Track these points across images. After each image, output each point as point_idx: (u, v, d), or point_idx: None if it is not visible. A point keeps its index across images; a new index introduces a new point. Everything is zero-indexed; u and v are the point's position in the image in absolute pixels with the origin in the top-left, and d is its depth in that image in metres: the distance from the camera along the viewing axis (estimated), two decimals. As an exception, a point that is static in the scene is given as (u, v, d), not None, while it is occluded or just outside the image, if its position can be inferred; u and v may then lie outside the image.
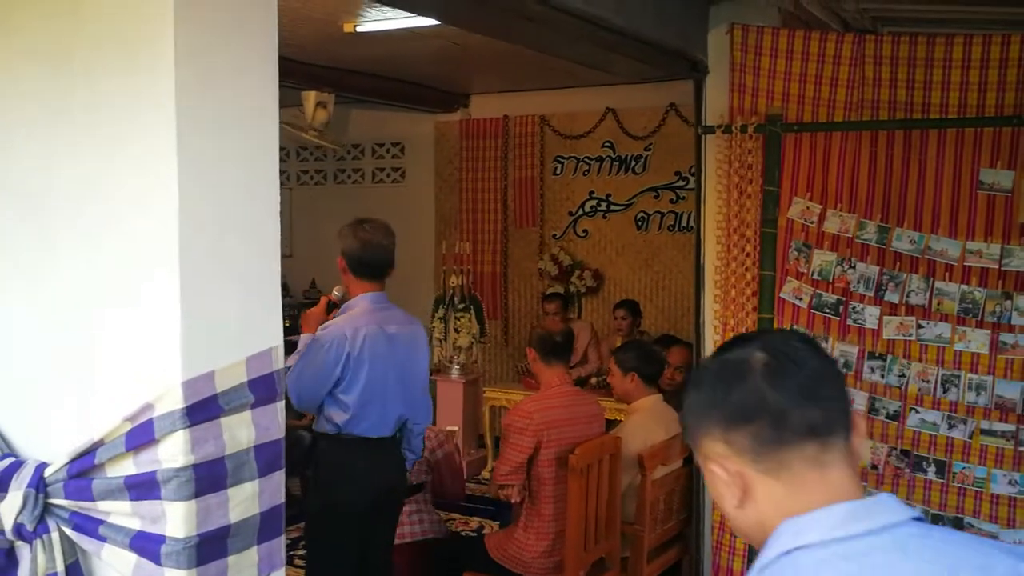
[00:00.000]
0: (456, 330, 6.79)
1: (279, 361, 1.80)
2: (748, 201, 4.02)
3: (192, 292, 1.64)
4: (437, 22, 4.27)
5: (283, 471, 1.81)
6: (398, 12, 4.40)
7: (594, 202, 7.54)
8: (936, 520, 3.74)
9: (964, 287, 3.67)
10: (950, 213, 3.75)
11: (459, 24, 3.57)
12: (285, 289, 8.69)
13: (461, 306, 6.78)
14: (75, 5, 1.66)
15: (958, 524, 3.71)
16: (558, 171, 7.67)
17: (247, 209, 1.77)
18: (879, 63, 3.90)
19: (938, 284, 3.71)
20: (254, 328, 1.76)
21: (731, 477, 1.16)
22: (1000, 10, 4.66)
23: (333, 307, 3.48)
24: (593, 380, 6.43)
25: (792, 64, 4.03)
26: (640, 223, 7.37)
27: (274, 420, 1.78)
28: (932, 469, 3.73)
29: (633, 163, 7.37)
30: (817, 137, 3.95)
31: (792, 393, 1.15)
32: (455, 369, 6.78)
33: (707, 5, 4.26)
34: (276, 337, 1.81)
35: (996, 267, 3.63)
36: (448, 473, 4.29)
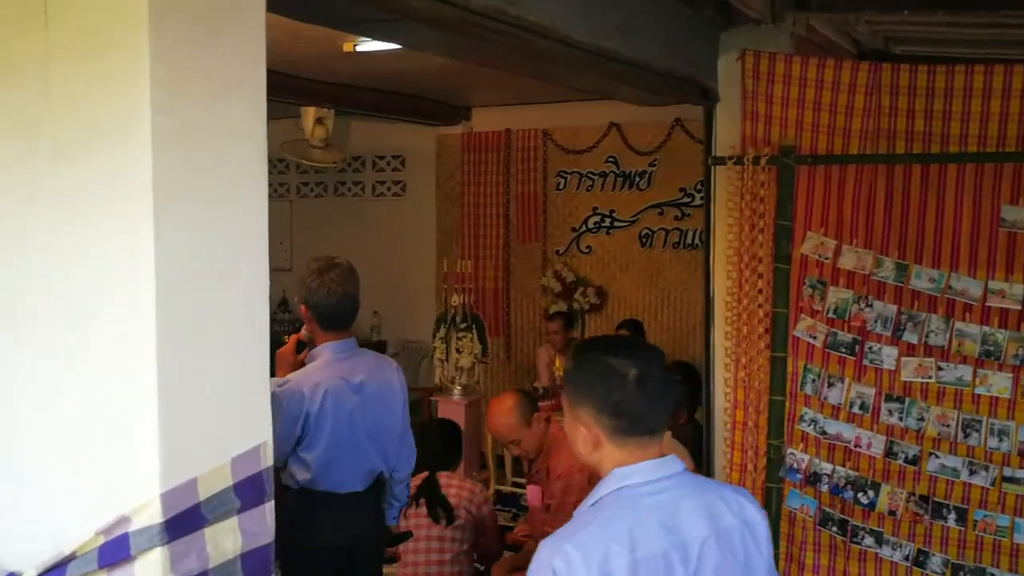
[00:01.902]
0: (458, 350, 6.65)
1: (268, 457, 1.67)
2: (760, 235, 3.88)
3: (171, 391, 1.51)
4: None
5: (273, 576, 1.68)
6: (398, 35, 4.27)
7: (597, 218, 7.40)
8: (956, 571, 3.61)
9: (985, 328, 3.54)
10: (970, 250, 3.62)
11: (462, 59, 3.43)
12: (284, 304, 8.56)
13: (463, 325, 6.63)
14: (45, 86, 1.53)
15: (980, 574, 3.58)
16: (561, 186, 7.53)
17: (232, 293, 1.64)
18: (896, 92, 3.77)
19: (958, 325, 3.58)
20: (240, 424, 1.63)
21: (590, 435, 1.76)
22: (1014, 32, 4.53)
23: (303, 346, 3.23)
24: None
25: (806, 92, 3.89)
26: (644, 240, 7.23)
27: (263, 524, 1.64)
28: (952, 516, 3.60)
29: (637, 179, 7.23)
30: (832, 169, 3.81)
31: (648, 403, 1.73)
32: (457, 390, 6.64)
33: (717, 31, 4.11)
34: (264, 431, 1.67)
35: (1019, 308, 3.49)
36: (492, 533, 4.09)
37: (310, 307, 3.10)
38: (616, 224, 7.34)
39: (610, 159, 7.30)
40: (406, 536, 3.56)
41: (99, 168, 1.51)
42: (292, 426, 2.99)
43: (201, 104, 1.58)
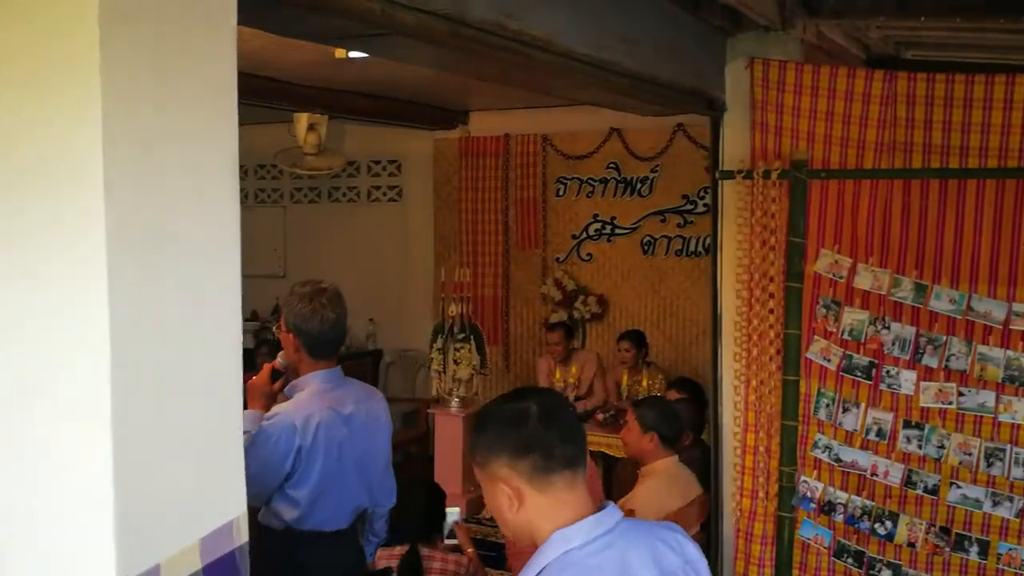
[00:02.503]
0: (456, 361, 6.48)
1: (241, 534, 1.50)
2: (771, 253, 3.71)
3: (129, 467, 1.33)
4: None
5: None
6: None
7: (598, 225, 7.23)
8: (979, 606, 3.45)
9: (1010, 352, 3.38)
10: (991, 269, 3.46)
11: (458, 73, 3.26)
12: (278, 312, 8.38)
13: (461, 336, 6.46)
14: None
15: (1002, 610, 3.42)
16: (561, 192, 7.36)
17: (198, 353, 1.46)
18: (912, 102, 3.61)
19: (981, 348, 3.41)
20: (209, 499, 1.46)
21: (512, 492, 1.65)
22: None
23: (278, 376, 3.02)
24: (599, 415, 6.13)
25: (818, 102, 3.73)
26: (647, 247, 7.06)
27: (236, 609, 1.48)
28: (975, 549, 3.44)
29: (639, 185, 7.06)
30: (845, 183, 3.65)
31: (557, 435, 1.65)
32: (454, 402, 6.47)
33: (724, 38, 3.95)
34: (237, 505, 1.50)
35: (1045, 332, 3.33)
36: None
37: (301, 334, 2.89)
38: (617, 231, 7.17)
39: (611, 165, 7.14)
40: (385, 573, 3.39)
41: (40, 216, 1.34)
42: (283, 462, 2.81)
43: (162, 139, 1.40)
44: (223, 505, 1.48)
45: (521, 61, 2.74)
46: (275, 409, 2.93)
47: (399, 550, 3.45)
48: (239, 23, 1.56)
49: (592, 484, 3.74)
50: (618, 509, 1.70)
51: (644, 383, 6.32)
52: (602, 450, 5.87)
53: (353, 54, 5.05)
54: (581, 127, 7.12)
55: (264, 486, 2.85)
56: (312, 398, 2.92)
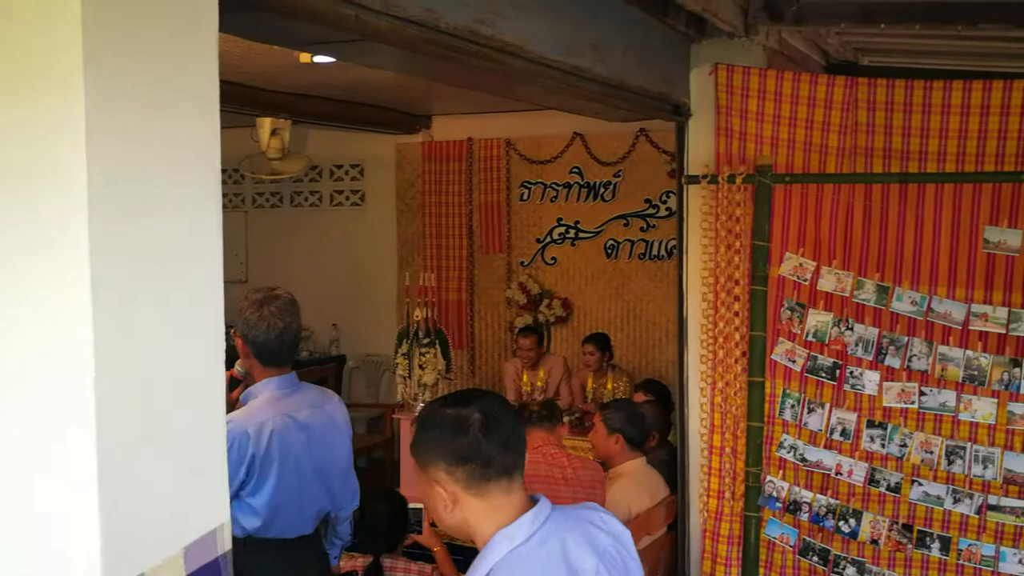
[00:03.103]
0: (421, 366, 6.47)
1: (225, 541, 1.50)
2: (736, 256, 3.77)
3: (113, 476, 1.32)
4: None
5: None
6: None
7: (562, 229, 7.27)
8: (941, 601, 3.52)
9: (969, 352, 3.45)
10: (951, 271, 3.53)
11: (431, 78, 3.26)
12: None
13: (426, 341, 6.44)
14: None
15: (964, 605, 3.50)
16: (525, 196, 7.38)
17: (182, 364, 1.46)
18: (873, 108, 3.68)
19: (941, 349, 3.49)
20: (194, 507, 1.45)
21: (448, 495, 1.71)
22: (985, 44, 4.48)
23: (236, 384, 3.02)
24: (565, 418, 6.14)
25: (781, 107, 3.79)
26: (610, 251, 7.11)
27: (221, 616, 1.47)
28: (936, 545, 3.51)
29: (602, 190, 7.10)
30: (809, 188, 3.71)
31: (497, 445, 1.70)
32: (419, 407, 6.45)
33: (689, 44, 3.99)
34: (221, 512, 1.50)
35: (1003, 332, 3.41)
36: None
37: (248, 342, 2.88)
38: (581, 235, 7.21)
39: (574, 169, 7.17)
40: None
41: (23, 220, 1.33)
42: (236, 470, 2.78)
43: (145, 144, 1.40)
44: (207, 513, 1.48)
45: (493, 67, 2.76)
46: (228, 417, 2.85)
47: (362, 560, 3.44)
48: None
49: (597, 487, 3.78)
50: (547, 500, 1.75)
51: (609, 386, 6.36)
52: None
53: (318, 59, 5.03)
54: (544, 131, 7.15)
55: None
56: (266, 405, 2.90)
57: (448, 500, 1.70)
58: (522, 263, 7.41)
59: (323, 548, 3.13)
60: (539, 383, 6.57)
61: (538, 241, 7.35)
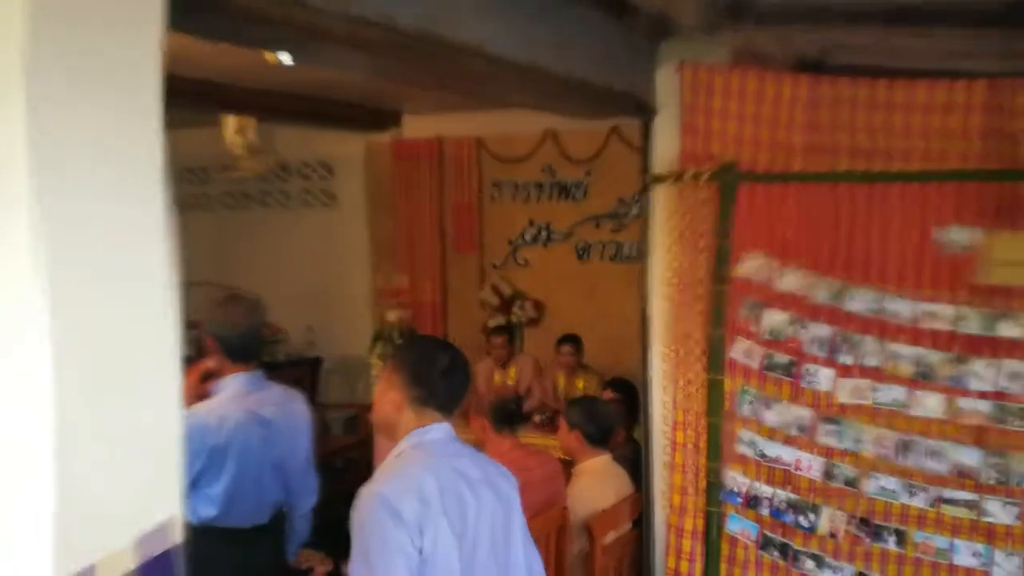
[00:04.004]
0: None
1: (177, 533, 1.52)
2: (700, 256, 3.81)
3: (65, 465, 1.34)
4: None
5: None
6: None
7: (534, 230, 7.29)
8: (897, 594, 3.58)
9: (919, 350, 3.51)
10: (903, 271, 3.57)
11: (397, 79, 3.29)
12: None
13: (400, 342, 6.47)
14: None
15: (919, 597, 3.56)
16: (496, 196, 7.40)
17: (136, 357, 1.47)
18: (837, 106, 3.71)
19: (892, 346, 3.54)
20: (146, 499, 1.47)
21: (396, 398, 2.27)
22: (950, 44, 4.54)
23: (209, 376, 3.19)
24: (536, 418, 6.19)
25: (746, 105, 3.82)
26: (581, 253, 7.14)
27: (171, 608, 1.49)
28: (892, 538, 3.57)
29: (573, 190, 7.13)
30: (773, 187, 3.75)
31: (447, 386, 2.29)
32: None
33: (654, 43, 4.03)
34: (174, 505, 1.52)
35: (951, 329, 3.47)
36: None
37: (219, 340, 3.09)
38: (553, 237, 7.24)
39: (546, 168, 7.19)
40: (306, 573, 3.43)
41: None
42: (195, 459, 2.95)
43: (89, 142, 1.41)
44: (160, 505, 1.50)
45: (453, 67, 2.78)
46: (193, 408, 3.06)
47: (323, 570, 3.45)
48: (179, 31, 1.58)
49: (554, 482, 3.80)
50: (448, 427, 2.32)
51: (580, 385, 6.42)
52: (538, 451, 5.93)
53: (286, 61, 5.04)
54: (515, 130, 7.14)
55: None
56: (230, 400, 3.08)
57: (395, 403, 2.26)
58: (494, 265, 7.43)
59: (279, 539, 3.25)
60: (510, 382, 6.62)
61: (510, 242, 7.38)
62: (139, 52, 1.50)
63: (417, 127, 7.59)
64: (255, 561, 3.12)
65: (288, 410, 3.23)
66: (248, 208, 8.35)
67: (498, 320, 7.15)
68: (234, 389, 3.10)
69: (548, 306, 7.27)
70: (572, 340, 6.45)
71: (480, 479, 2.28)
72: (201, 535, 2.87)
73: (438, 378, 2.26)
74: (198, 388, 3.14)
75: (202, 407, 3.05)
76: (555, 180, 7.18)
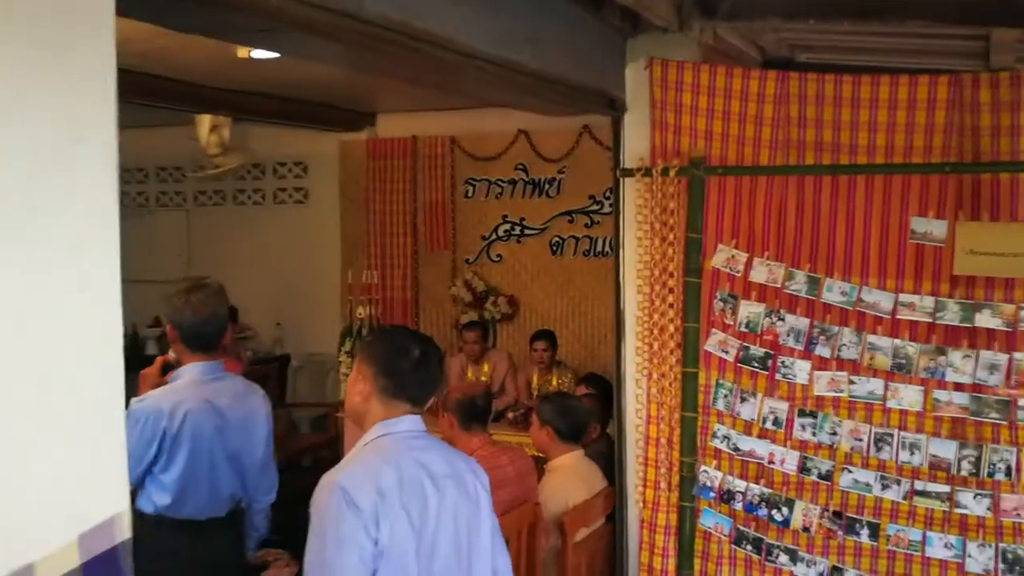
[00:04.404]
0: (365, 364, 6.43)
1: (124, 529, 1.47)
2: (671, 249, 3.79)
3: (3, 462, 1.29)
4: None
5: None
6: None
7: (508, 226, 7.27)
8: (871, 587, 3.58)
9: (897, 341, 3.51)
10: (880, 262, 3.59)
11: (367, 72, 3.24)
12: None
13: (369, 339, 6.40)
14: None
15: (893, 589, 3.55)
16: (470, 194, 7.38)
17: (78, 350, 1.42)
18: (803, 102, 3.73)
19: (870, 338, 3.54)
20: (89, 493, 1.42)
21: (365, 389, 2.24)
22: (918, 41, 4.56)
23: (169, 368, 3.15)
24: (510, 415, 6.15)
25: (715, 101, 3.82)
26: (555, 248, 7.13)
27: (121, 605, 1.44)
28: (865, 532, 3.56)
29: (547, 186, 7.12)
30: (742, 181, 3.75)
31: (417, 379, 2.25)
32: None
33: (623, 39, 4.01)
34: (120, 500, 1.47)
35: (929, 321, 3.47)
36: None
37: (175, 326, 3.04)
38: (527, 232, 7.22)
39: (519, 166, 7.18)
40: (264, 567, 3.39)
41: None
42: (148, 446, 2.92)
43: (35, 132, 1.36)
44: (104, 501, 1.45)
45: (423, 60, 2.74)
46: (147, 395, 3.03)
47: (288, 571, 3.41)
48: (129, 16, 1.53)
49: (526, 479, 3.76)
50: (419, 421, 2.29)
51: (554, 382, 6.39)
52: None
53: (256, 54, 4.99)
54: (489, 129, 7.15)
55: (131, 469, 2.87)
56: (186, 387, 3.05)
57: (364, 393, 2.23)
58: (467, 260, 7.41)
59: (238, 534, 3.22)
60: (483, 378, 6.58)
61: (483, 238, 7.36)
62: (93, 40, 1.45)
63: (392, 126, 7.58)
64: (211, 555, 3.06)
65: (246, 403, 3.19)
66: (222, 206, 8.29)
67: (470, 316, 7.11)
68: (191, 377, 3.05)
69: (522, 302, 7.25)
70: (546, 336, 6.43)
71: (446, 474, 2.25)
72: (156, 526, 2.93)
73: (408, 369, 2.23)
74: (158, 381, 3.11)
75: (157, 392, 3.02)
76: (529, 178, 7.17)
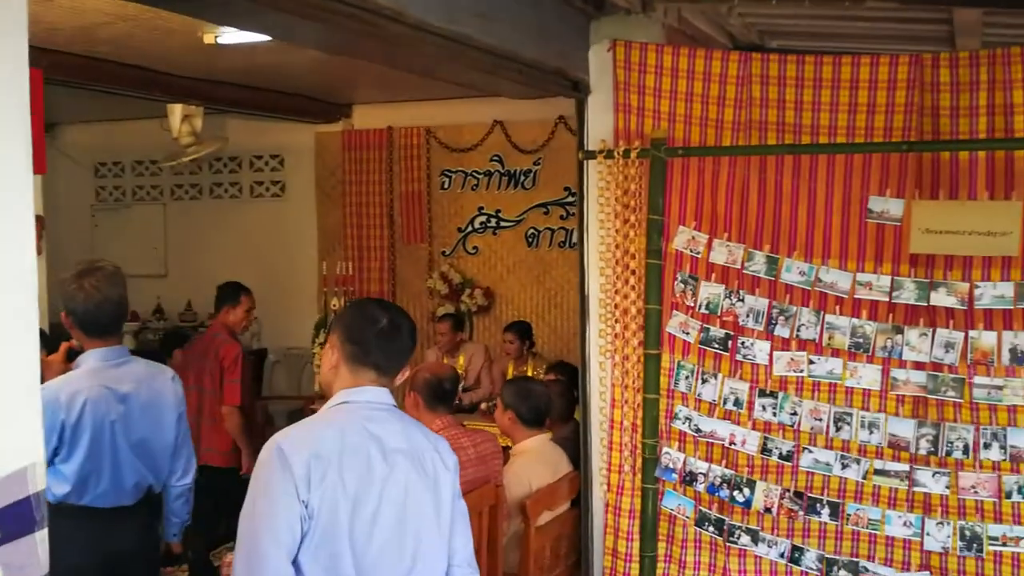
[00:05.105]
0: (339, 356, 6.42)
1: (38, 480, 1.46)
2: (632, 231, 3.79)
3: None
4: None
5: (47, 616, 1.47)
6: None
7: (483, 218, 7.27)
8: (831, 566, 3.57)
9: (855, 321, 3.51)
10: (841, 242, 3.59)
11: (314, 46, 3.23)
12: (160, 312, 8.17)
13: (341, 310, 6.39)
14: None
15: (853, 568, 3.55)
16: (446, 185, 7.38)
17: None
18: (767, 82, 3.73)
19: (828, 318, 3.54)
20: (2, 445, 1.41)
21: (332, 357, 2.23)
22: (886, 25, 4.57)
23: (75, 355, 3.08)
24: (484, 406, 6.15)
25: (678, 83, 3.82)
26: (531, 240, 7.14)
27: (33, 556, 1.43)
28: (826, 511, 3.56)
29: (522, 178, 7.13)
30: (705, 161, 3.75)
31: (382, 347, 2.21)
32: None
33: (587, 21, 4.01)
34: (33, 450, 1.46)
35: (886, 300, 3.47)
36: None
37: (69, 312, 2.95)
38: (503, 224, 7.22)
39: (495, 158, 7.19)
40: (180, 558, 3.36)
41: None
42: (48, 436, 2.84)
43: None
44: (15, 449, 1.43)
45: (370, 31, 2.73)
46: (45, 384, 2.93)
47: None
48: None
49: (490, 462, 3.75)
50: (384, 392, 2.25)
51: (530, 373, 6.38)
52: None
53: (222, 40, 4.97)
54: (464, 120, 7.17)
55: None
56: (85, 375, 2.97)
57: (332, 361, 2.23)
58: (444, 253, 7.40)
59: (147, 522, 3.14)
60: (459, 370, 6.57)
61: (459, 230, 7.36)
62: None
63: (367, 118, 7.58)
64: (116, 544, 2.99)
65: (151, 386, 3.09)
66: (199, 200, 8.27)
67: (447, 308, 7.11)
68: (90, 364, 2.96)
69: (498, 294, 7.25)
70: (515, 328, 6.43)
71: (401, 450, 2.19)
72: (58, 513, 2.73)
73: (373, 336, 2.19)
74: (62, 368, 3.04)
75: (53, 383, 2.92)
76: (504, 169, 7.17)
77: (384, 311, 2.25)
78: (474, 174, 7.27)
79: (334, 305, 6.42)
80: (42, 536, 1.46)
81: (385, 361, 2.21)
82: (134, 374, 3.05)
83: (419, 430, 2.31)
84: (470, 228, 7.32)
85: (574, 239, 6.93)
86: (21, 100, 1.45)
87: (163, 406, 3.12)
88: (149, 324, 8.03)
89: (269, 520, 2.01)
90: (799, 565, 3.61)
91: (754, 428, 3.65)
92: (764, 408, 3.62)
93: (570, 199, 6.98)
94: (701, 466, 3.71)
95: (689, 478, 3.73)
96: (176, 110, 6.25)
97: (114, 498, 2.98)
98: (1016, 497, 3.33)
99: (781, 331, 3.59)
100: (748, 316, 3.62)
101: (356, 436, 2.13)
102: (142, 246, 8.26)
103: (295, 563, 2.04)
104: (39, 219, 4.56)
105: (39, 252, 2.60)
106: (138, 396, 3.02)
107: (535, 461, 3.97)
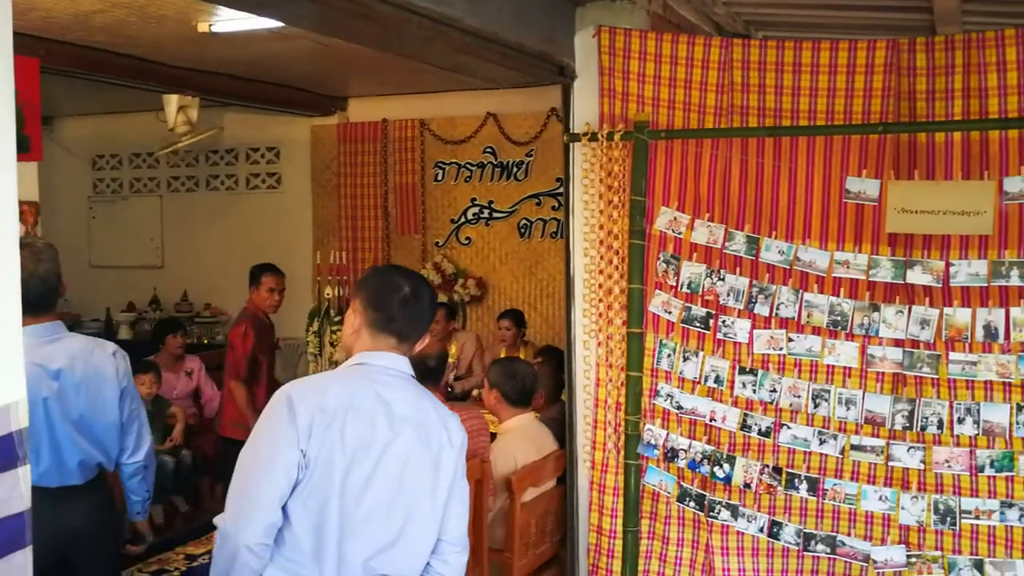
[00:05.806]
0: (332, 344, 6.49)
1: (20, 419, 1.52)
2: (616, 212, 3.86)
3: None
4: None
5: (29, 549, 1.52)
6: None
7: (476, 209, 7.34)
8: (808, 540, 3.64)
9: (833, 299, 3.57)
10: (820, 222, 3.66)
11: (297, 24, 3.30)
12: (156, 302, 8.24)
13: (337, 319, 6.47)
14: None
15: (831, 543, 3.61)
16: (439, 177, 7.45)
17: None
18: (748, 68, 3.80)
19: (807, 296, 3.61)
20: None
21: (355, 321, 2.28)
22: (869, 15, 4.64)
23: None
24: (475, 393, 6.21)
25: (661, 68, 3.89)
26: (523, 230, 7.20)
27: (14, 490, 1.49)
28: (804, 487, 3.62)
29: (515, 169, 7.19)
30: (688, 144, 3.81)
31: (405, 315, 2.25)
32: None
33: (572, 7, 4.08)
34: (16, 389, 1.52)
35: (864, 278, 3.54)
36: None
37: None
38: (495, 215, 7.29)
39: (488, 149, 7.25)
40: (136, 539, 3.36)
41: None
42: None
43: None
44: (-1, 389, 1.50)
45: (355, 9, 2.80)
46: None
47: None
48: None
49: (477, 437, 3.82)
50: (398, 358, 2.29)
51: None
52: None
53: (216, 28, 5.03)
54: (458, 112, 7.24)
55: None
56: None
57: (355, 326, 2.27)
58: (437, 243, 7.47)
59: (99, 499, 3.08)
60: (451, 359, 6.64)
61: (452, 222, 7.42)
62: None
63: (363, 110, 7.65)
64: (67, 522, 2.93)
65: (88, 362, 2.97)
66: (195, 192, 8.33)
67: (440, 298, 7.17)
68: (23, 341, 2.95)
69: (491, 284, 7.31)
70: (511, 315, 6.51)
71: (408, 419, 2.21)
72: None
73: (397, 304, 2.22)
74: None
75: None
76: (497, 161, 7.24)
77: (406, 279, 2.28)
78: (467, 166, 7.34)
79: (327, 294, 6.48)
80: (24, 472, 1.52)
81: (407, 328, 2.25)
82: (68, 350, 2.95)
83: (432, 403, 2.30)
84: (463, 219, 7.38)
85: (566, 230, 7.06)
86: (5, 86, 1.49)
87: (102, 382, 3.02)
88: (145, 314, 8.10)
89: (268, 463, 2.09)
90: (778, 540, 3.67)
91: (735, 405, 3.72)
92: (744, 385, 3.69)
93: (562, 190, 7.03)
94: (683, 443, 3.77)
95: (671, 454, 3.80)
96: (172, 100, 6.32)
97: (58, 477, 2.92)
98: (989, 471, 3.39)
99: (761, 309, 3.65)
100: (729, 295, 3.69)
101: (365, 397, 2.17)
102: (139, 237, 8.33)
103: (284, 509, 2.10)
104: (33, 205, 4.63)
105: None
106: (72, 372, 2.93)
107: (520, 439, 4.04)
